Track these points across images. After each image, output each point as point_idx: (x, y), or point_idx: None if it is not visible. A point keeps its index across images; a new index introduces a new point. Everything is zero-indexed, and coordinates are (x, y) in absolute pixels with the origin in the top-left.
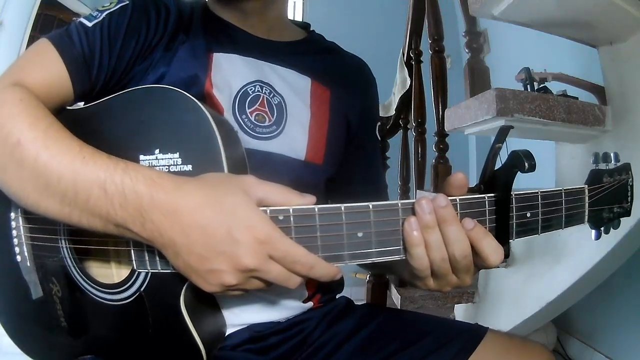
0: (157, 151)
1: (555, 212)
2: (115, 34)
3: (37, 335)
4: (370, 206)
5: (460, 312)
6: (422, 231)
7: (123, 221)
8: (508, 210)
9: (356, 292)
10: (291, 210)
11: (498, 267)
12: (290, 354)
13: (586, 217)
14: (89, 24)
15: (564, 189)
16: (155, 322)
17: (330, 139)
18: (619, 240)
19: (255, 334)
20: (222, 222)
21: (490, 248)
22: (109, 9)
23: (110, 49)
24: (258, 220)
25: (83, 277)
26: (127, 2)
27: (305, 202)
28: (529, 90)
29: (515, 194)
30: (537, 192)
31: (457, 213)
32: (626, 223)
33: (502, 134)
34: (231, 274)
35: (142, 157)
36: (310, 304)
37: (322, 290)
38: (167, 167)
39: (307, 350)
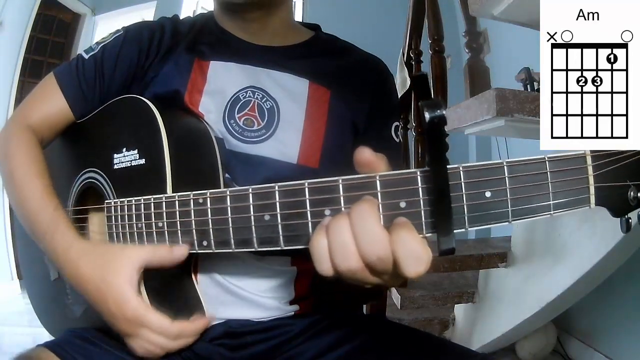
0: (124, 150)
1: (534, 190)
2: (107, 65)
3: (54, 313)
4: (277, 187)
5: (460, 312)
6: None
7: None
8: (445, 186)
9: None
10: (208, 193)
11: (498, 267)
12: (265, 356)
13: (593, 198)
14: (86, 57)
15: (548, 157)
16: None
17: (328, 142)
18: (619, 240)
19: (230, 330)
20: (105, 296)
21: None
22: (104, 42)
23: (103, 79)
24: (124, 300)
25: None
26: (121, 32)
27: (173, 254)
28: (529, 90)
29: (466, 166)
30: (503, 163)
31: (378, 192)
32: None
33: (419, 83)
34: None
35: (115, 155)
36: (295, 307)
37: (317, 294)
38: (129, 162)
39: (283, 355)
